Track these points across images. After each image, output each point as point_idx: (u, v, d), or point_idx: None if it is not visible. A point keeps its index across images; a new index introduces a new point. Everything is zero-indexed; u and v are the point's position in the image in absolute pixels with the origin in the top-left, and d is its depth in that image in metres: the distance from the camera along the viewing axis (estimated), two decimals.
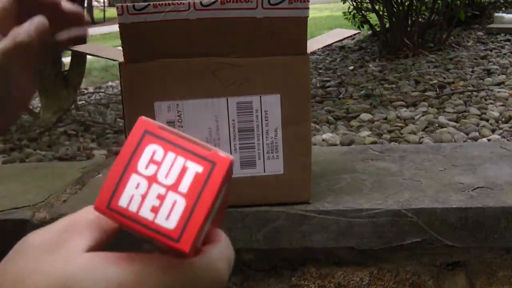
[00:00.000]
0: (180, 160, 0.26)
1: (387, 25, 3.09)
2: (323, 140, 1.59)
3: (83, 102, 2.53)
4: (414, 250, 0.78)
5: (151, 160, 0.26)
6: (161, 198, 0.26)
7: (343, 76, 2.58)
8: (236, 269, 0.82)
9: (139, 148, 0.26)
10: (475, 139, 1.52)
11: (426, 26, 3.06)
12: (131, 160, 0.26)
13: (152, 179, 0.26)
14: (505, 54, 2.72)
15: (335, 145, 1.53)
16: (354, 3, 3.41)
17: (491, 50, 2.84)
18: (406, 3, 2.97)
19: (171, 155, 0.26)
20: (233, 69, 0.74)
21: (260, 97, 0.74)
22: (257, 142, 0.75)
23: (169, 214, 0.25)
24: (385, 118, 1.80)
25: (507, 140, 1.49)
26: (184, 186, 0.26)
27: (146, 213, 0.25)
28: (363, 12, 3.35)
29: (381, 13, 3.11)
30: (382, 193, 0.81)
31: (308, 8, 0.72)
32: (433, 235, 0.76)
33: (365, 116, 1.85)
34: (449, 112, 1.81)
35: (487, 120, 1.69)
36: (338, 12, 4.06)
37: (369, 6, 3.21)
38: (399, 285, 0.81)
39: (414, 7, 3.00)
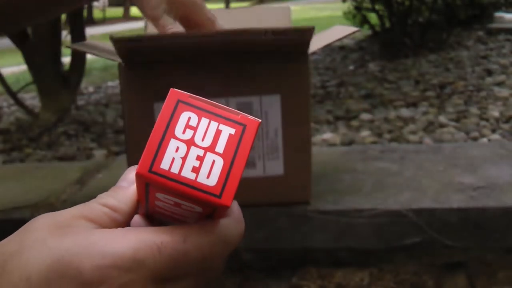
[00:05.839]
0: (214, 124, 0.29)
1: (387, 25, 3.08)
2: (323, 140, 1.58)
3: (83, 102, 2.52)
4: (414, 250, 0.78)
5: (187, 126, 0.29)
6: (200, 159, 0.28)
7: (343, 76, 2.57)
8: (236, 269, 0.82)
9: (175, 116, 0.29)
10: (475, 139, 1.52)
11: (426, 26, 3.05)
12: (169, 126, 0.29)
13: (190, 142, 0.28)
14: (505, 54, 2.71)
15: (335, 145, 1.53)
16: (354, 3, 3.41)
17: (491, 50, 2.84)
18: (406, 3, 2.97)
19: (205, 120, 0.29)
20: (233, 69, 0.74)
21: (260, 97, 0.74)
22: (257, 143, 0.75)
23: (209, 173, 0.28)
24: (385, 118, 1.80)
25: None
26: (220, 146, 0.28)
27: (188, 173, 0.28)
28: (363, 12, 3.34)
29: (381, 13, 3.10)
30: (382, 193, 0.81)
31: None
32: (433, 235, 0.76)
33: (365, 116, 1.84)
34: (449, 112, 1.81)
35: (487, 120, 1.69)
36: (338, 12, 4.05)
37: (369, 6, 3.21)
38: (399, 286, 0.81)
39: (414, 7, 3.00)
